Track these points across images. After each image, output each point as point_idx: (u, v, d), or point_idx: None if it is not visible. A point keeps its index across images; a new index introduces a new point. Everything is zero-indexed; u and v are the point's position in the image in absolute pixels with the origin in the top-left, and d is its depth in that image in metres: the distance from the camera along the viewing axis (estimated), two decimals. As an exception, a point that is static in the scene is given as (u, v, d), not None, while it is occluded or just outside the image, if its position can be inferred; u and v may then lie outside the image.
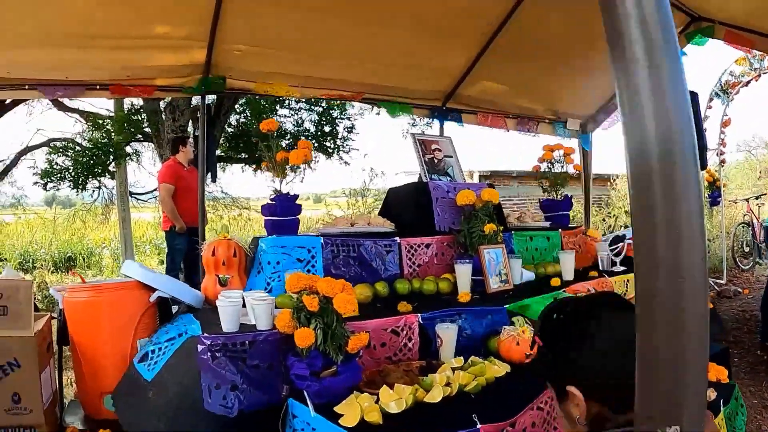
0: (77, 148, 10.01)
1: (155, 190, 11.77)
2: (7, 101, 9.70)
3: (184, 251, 6.53)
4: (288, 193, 3.55)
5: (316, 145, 11.08)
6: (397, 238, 3.76)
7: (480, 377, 2.70)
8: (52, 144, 10.30)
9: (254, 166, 11.59)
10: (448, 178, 4.72)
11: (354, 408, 2.30)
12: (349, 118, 11.64)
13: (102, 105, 10.99)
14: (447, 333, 3.03)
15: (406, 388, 2.44)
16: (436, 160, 4.76)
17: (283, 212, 3.51)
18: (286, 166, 3.54)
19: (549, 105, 6.57)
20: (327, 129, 11.37)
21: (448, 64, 5.69)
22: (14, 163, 10.50)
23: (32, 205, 17.23)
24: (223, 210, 13.02)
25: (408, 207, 4.25)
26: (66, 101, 10.85)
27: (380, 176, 12.80)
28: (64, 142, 10.31)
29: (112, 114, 10.74)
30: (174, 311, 3.47)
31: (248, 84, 5.03)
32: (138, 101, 10.18)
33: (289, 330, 2.50)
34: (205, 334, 2.55)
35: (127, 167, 11.04)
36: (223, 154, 11.14)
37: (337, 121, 11.47)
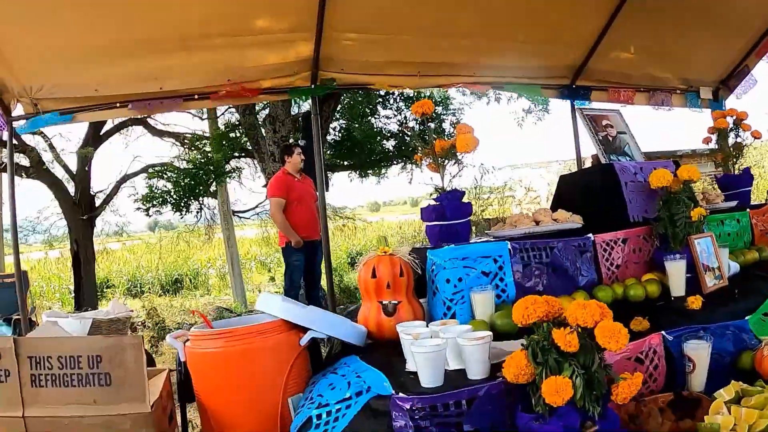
0: (176, 171, 9.76)
1: (257, 206, 11.51)
2: (102, 132, 9.77)
3: (302, 268, 5.97)
4: (455, 189, 2.76)
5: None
6: (590, 235, 2.97)
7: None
8: (150, 170, 10.10)
9: (358, 172, 11.08)
10: (627, 158, 3.83)
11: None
12: (454, 113, 10.81)
13: (197, 126, 10.82)
14: (700, 354, 2.27)
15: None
16: (610, 138, 3.91)
17: (453, 214, 2.73)
18: (450, 157, 2.75)
19: (680, 72, 5.64)
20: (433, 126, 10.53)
21: (578, 33, 4.85)
22: (115, 191, 10.28)
23: (135, 232, 17.41)
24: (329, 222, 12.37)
25: (591, 196, 3.42)
26: (159, 124, 10.84)
27: (492, 172, 11.67)
28: (162, 167, 10.10)
29: (207, 134, 10.60)
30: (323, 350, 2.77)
31: (361, 77, 4.42)
32: (234, 116, 9.87)
33: (523, 379, 1.71)
34: (402, 395, 1.79)
35: (227, 185, 10.82)
36: (327, 162, 10.57)
37: (442, 116, 10.65)
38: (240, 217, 12.03)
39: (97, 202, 9.86)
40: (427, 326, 2.17)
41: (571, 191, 3.64)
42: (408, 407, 1.74)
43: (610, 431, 1.76)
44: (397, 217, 23.12)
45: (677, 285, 2.88)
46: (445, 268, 2.53)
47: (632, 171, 3.37)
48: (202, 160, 9.70)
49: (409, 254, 2.60)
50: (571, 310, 1.70)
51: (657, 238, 3.18)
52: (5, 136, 4.17)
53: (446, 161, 2.79)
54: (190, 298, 12.29)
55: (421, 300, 2.64)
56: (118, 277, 14.12)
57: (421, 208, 2.83)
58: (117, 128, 10.20)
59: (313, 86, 4.27)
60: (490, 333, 1.92)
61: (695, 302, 2.69)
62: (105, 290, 13.02)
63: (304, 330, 2.36)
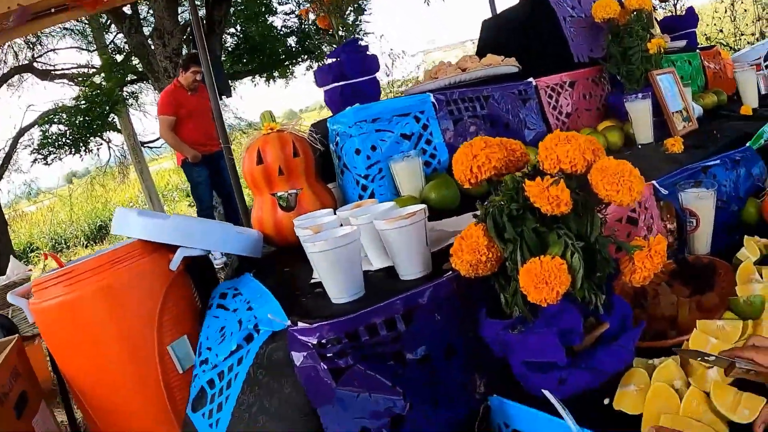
0: (67, 110, 9.03)
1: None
2: None
3: (208, 182, 5.54)
4: (357, 39, 2.05)
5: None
6: (531, 80, 2.44)
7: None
8: (43, 116, 9.34)
9: (263, 75, 10.33)
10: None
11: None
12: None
13: (87, 60, 9.93)
14: (704, 205, 1.72)
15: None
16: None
17: (354, 70, 2.03)
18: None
19: None
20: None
21: None
22: (13, 147, 9.56)
23: (49, 189, 16.41)
24: (241, 138, 11.68)
25: (524, 38, 2.82)
26: (46, 66, 10.14)
27: (402, 57, 10.83)
28: (53, 110, 9.35)
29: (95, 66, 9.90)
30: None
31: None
32: (120, 39, 9.19)
33: (485, 268, 1.08)
34: (302, 325, 1.12)
35: (130, 117, 10.03)
36: (228, 70, 9.78)
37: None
38: (151, 148, 11.22)
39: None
40: (335, 214, 1.52)
41: (499, 37, 3.01)
42: (314, 342, 1.08)
43: (623, 326, 1.17)
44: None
45: (643, 130, 2.39)
46: (351, 135, 1.86)
47: (569, 4, 2.79)
48: (93, 93, 8.86)
49: (309, 131, 1.91)
50: (548, 150, 1.05)
51: (608, 81, 2.79)
52: None
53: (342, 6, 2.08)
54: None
55: (331, 186, 1.97)
56: (40, 239, 13.16)
57: (314, 71, 2.13)
58: (2, 81, 9.51)
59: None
60: (424, 206, 1.25)
61: (675, 144, 2.15)
62: (30, 254, 12.17)
63: (176, 250, 1.66)
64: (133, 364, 1.60)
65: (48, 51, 10.23)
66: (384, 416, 1.07)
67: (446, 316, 1.18)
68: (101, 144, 9.67)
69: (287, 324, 1.14)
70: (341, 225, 1.38)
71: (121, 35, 8.66)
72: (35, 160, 8.91)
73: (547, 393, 1.12)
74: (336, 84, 2.05)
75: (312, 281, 1.34)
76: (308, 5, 2.15)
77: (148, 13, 8.58)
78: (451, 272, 1.18)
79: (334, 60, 2.05)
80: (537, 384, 1.14)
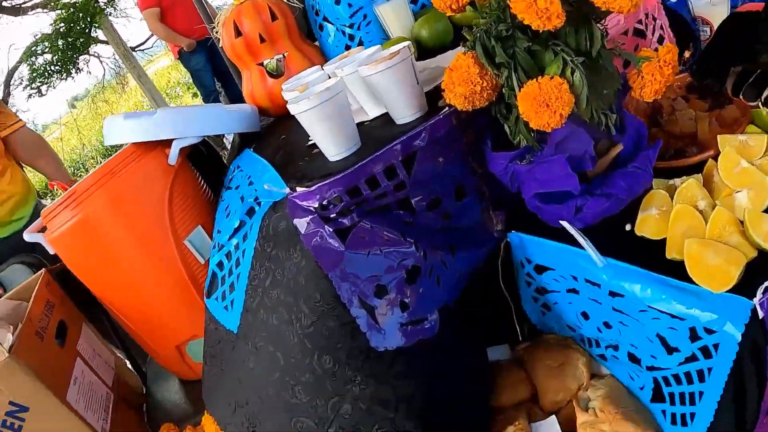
0: (47, 37, 8.86)
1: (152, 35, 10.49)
2: None
3: (208, 68, 5.39)
4: None
5: None
6: None
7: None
8: (26, 51, 9.10)
9: None
10: None
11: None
12: None
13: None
14: (717, 12, 1.63)
15: None
16: None
17: None
18: None
19: None
20: None
21: None
22: (7, 90, 9.44)
23: (55, 121, 16.34)
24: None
25: None
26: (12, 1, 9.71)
27: None
28: (35, 43, 9.07)
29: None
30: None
31: None
32: None
33: (481, 99, 1.01)
34: (300, 189, 1.07)
35: (113, 25, 9.68)
36: None
37: None
38: (143, 51, 10.96)
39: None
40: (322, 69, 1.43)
41: None
42: (315, 206, 1.04)
43: (638, 147, 1.10)
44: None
45: None
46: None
47: None
48: (68, 13, 8.61)
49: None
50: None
51: None
52: None
53: None
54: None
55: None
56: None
57: None
58: None
59: None
60: (408, 42, 1.14)
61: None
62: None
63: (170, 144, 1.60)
64: (155, 265, 1.61)
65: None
66: (398, 270, 1.04)
67: (450, 155, 1.12)
68: (89, 60, 9.46)
69: (286, 191, 1.09)
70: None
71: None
72: (30, 95, 8.90)
73: (565, 224, 1.08)
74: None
75: (308, 143, 1.28)
76: None
77: None
78: (447, 108, 1.10)
79: None
80: (553, 215, 1.09)
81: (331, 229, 1.03)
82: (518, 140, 1.08)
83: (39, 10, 9.89)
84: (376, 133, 1.16)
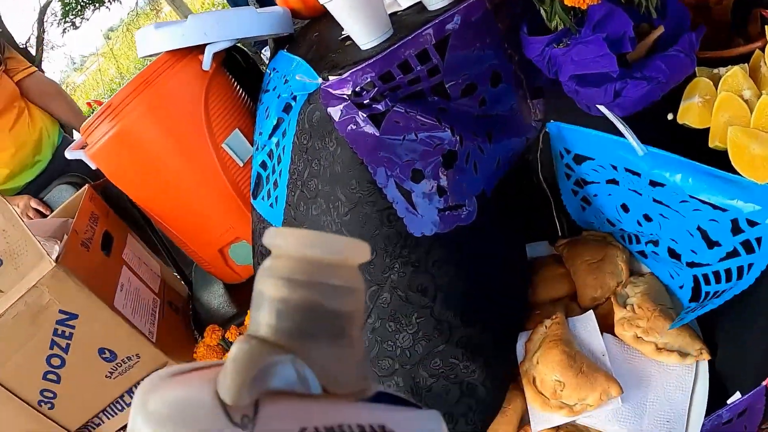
0: None
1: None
2: None
3: None
4: None
5: None
6: None
7: None
8: None
9: None
10: None
11: None
12: None
13: None
14: None
15: None
16: None
17: None
18: None
19: None
20: None
21: None
22: (41, 27, 9.28)
23: (93, 54, 16.45)
24: None
25: None
26: None
27: None
28: None
29: None
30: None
31: None
32: None
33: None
34: (333, 78, 1.05)
35: None
36: None
37: None
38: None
39: (33, 51, 8.95)
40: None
41: None
42: (348, 93, 1.02)
43: (681, 31, 1.05)
44: None
45: None
46: None
47: None
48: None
49: None
50: None
51: None
52: None
53: None
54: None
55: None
56: (101, 98, 13.34)
57: None
58: None
59: None
60: None
61: None
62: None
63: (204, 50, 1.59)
64: (194, 170, 1.62)
65: None
66: (434, 155, 1.03)
67: (485, 39, 1.08)
68: (121, -13, 9.41)
69: (319, 81, 1.08)
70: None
71: None
72: (64, 30, 9.03)
73: (603, 109, 1.05)
74: None
75: (341, 36, 1.26)
76: None
77: None
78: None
79: None
80: (591, 98, 1.06)
81: (365, 115, 1.02)
82: (555, 24, 1.04)
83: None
84: (408, 20, 1.13)
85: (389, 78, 1.02)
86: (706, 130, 1.03)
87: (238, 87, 1.75)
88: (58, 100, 2.32)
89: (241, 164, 1.62)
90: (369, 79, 1.01)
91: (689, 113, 1.07)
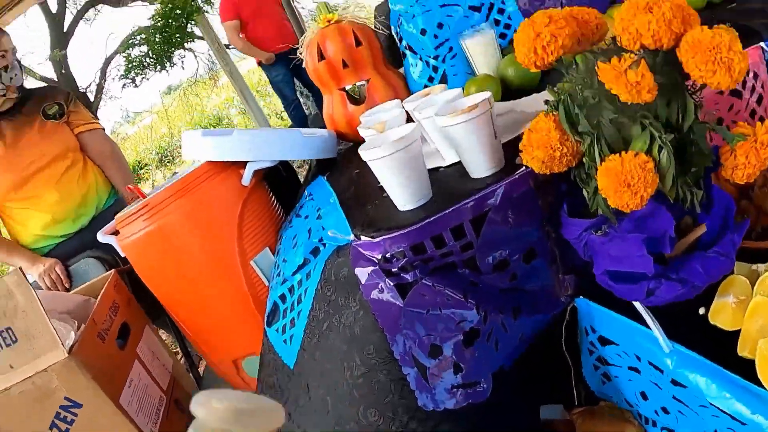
0: (144, 30, 9.15)
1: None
2: (65, 29, 9.28)
3: (289, 80, 5.42)
4: None
5: None
6: None
7: None
8: (123, 42, 9.41)
9: None
10: None
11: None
12: None
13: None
14: None
15: None
16: None
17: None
18: None
19: None
20: None
21: None
22: (103, 77, 9.67)
23: (147, 110, 17.15)
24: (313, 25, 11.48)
25: None
26: None
27: None
28: (131, 34, 9.42)
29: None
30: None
31: None
32: None
33: (560, 165, 0.97)
34: (364, 239, 1.06)
35: (209, 22, 10.00)
36: None
37: None
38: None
39: (91, 98, 9.31)
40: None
41: None
42: (378, 257, 1.02)
43: (725, 225, 1.03)
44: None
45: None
46: (414, 15, 1.69)
47: None
48: (166, 9, 8.91)
49: (375, 14, 1.79)
50: (624, 21, 0.88)
51: None
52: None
53: None
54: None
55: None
56: (147, 155, 13.67)
57: None
58: (78, 18, 9.53)
59: None
60: (489, 94, 1.09)
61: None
62: (140, 171, 12.70)
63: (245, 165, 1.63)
64: (220, 281, 1.64)
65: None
66: (456, 332, 1.01)
67: (523, 216, 1.08)
68: (184, 56, 9.73)
69: (351, 239, 1.08)
70: (407, 120, 1.29)
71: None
72: (124, 84, 9.15)
73: (636, 304, 1.03)
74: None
75: (380, 183, 1.28)
76: None
77: None
78: (524, 168, 1.07)
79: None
80: (623, 294, 1.04)
81: (391, 283, 1.01)
82: (596, 209, 1.03)
83: (138, 2, 10.29)
84: (448, 184, 1.13)
85: (421, 250, 1.02)
86: (738, 332, 1.00)
87: (275, 201, 1.77)
88: (112, 162, 2.34)
89: (267, 283, 1.62)
90: (401, 249, 1.01)
91: (722, 314, 1.04)
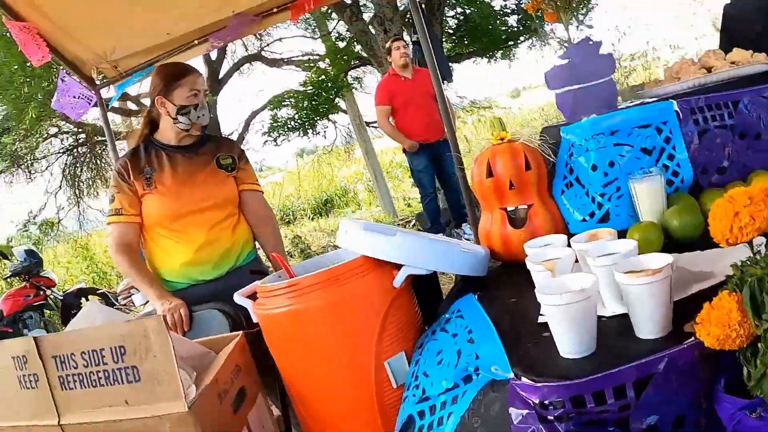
0: (295, 95, 9.69)
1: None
2: (220, 77, 9.96)
3: (429, 171, 5.57)
4: (589, 38, 1.91)
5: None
6: None
7: None
8: (272, 100, 10.05)
9: (485, 56, 10.25)
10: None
11: None
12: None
13: (313, 47, 10.60)
14: None
15: None
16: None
17: (588, 72, 1.89)
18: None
19: None
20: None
21: None
22: (246, 129, 10.39)
23: (280, 168, 17.80)
24: (463, 115, 11.91)
25: None
26: (274, 54, 11.02)
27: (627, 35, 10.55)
28: (281, 95, 10.02)
29: (320, 53, 10.47)
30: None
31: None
32: (343, 26, 9.58)
33: (733, 344, 0.96)
34: (525, 380, 1.07)
35: (355, 98, 10.50)
36: (449, 52, 9.92)
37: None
38: (376, 128, 11.73)
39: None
40: (569, 244, 1.42)
41: (746, 21, 2.50)
42: (535, 401, 1.02)
43: None
44: (539, 99, 19.46)
45: None
46: (588, 149, 1.73)
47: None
48: (319, 79, 9.50)
49: (540, 137, 1.84)
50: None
51: None
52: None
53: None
54: (342, 216, 12.07)
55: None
56: (272, 208, 14.28)
57: (546, 73, 1.97)
58: (233, 69, 10.37)
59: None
60: (671, 258, 1.10)
61: None
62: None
63: (400, 267, 1.67)
64: (350, 376, 1.66)
65: (275, 41, 11.04)
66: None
67: (683, 384, 1.05)
68: (327, 126, 10.23)
69: (509, 377, 1.09)
70: (576, 260, 1.30)
71: (342, 22, 8.97)
72: (266, 141, 9.71)
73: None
74: (568, 87, 1.92)
75: (539, 320, 1.28)
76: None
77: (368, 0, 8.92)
78: (693, 339, 1.05)
79: (566, 61, 1.92)
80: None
81: (544, 430, 1.00)
82: (756, 392, 1.00)
83: (293, 67, 11.08)
84: (612, 338, 1.13)
85: (581, 403, 1.01)
86: None
87: (417, 306, 1.80)
88: (266, 226, 2.43)
89: (395, 386, 1.63)
90: (560, 399, 1.01)
91: None
